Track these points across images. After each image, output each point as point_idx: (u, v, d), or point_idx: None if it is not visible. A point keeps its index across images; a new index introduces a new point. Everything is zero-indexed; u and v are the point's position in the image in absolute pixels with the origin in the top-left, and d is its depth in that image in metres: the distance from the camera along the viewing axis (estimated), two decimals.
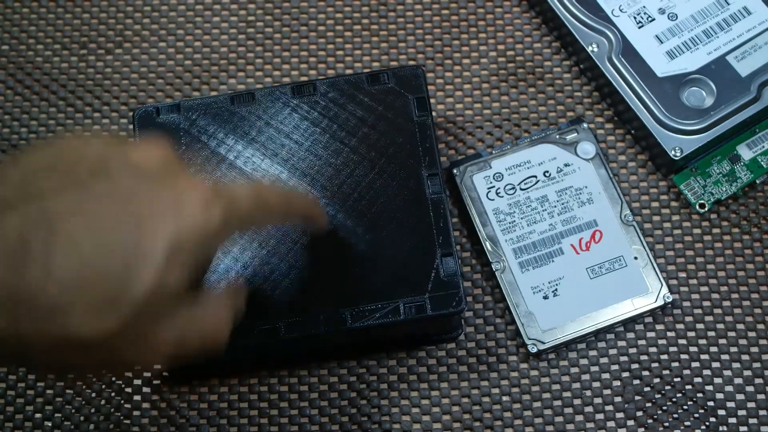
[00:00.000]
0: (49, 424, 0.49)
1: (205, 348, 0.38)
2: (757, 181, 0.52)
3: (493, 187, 0.52)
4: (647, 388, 0.49)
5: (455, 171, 0.52)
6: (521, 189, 0.52)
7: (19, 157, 0.36)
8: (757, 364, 0.50)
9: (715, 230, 0.52)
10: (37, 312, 0.32)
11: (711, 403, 0.49)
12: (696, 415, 0.49)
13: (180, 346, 0.36)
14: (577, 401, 0.49)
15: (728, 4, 0.53)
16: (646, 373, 0.50)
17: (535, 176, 0.52)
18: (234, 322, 0.39)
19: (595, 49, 0.53)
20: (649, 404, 0.49)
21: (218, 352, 0.38)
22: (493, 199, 0.52)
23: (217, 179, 0.39)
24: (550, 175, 0.52)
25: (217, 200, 0.36)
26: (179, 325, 0.36)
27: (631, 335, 0.50)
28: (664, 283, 0.50)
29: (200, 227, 0.35)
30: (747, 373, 0.49)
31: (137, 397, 0.50)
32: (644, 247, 0.50)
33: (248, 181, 0.41)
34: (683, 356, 0.50)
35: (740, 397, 0.49)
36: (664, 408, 0.49)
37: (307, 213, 0.44)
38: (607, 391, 0.49)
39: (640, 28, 0.53)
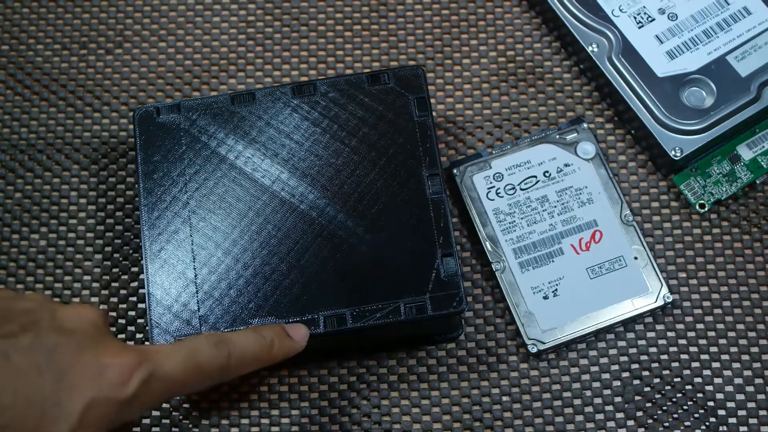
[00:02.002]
0: None
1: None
2: (757, 181, 0.52)
3: (493, 187, 0.52)
4: (647, 388, 0.49)
5: (455, 171, 0.52)
6: (521, 189, 0.52)
7: None
8: (757, 364, 0.50)
9: (715, 230, 0.52)
10: None
11: (711, 403, 0.49)
12: (696, 415, 0.49)
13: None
14: (577, 401, 0.49)
15: (728, 4, 0.53)
16: (646, 373, 0.50)
17: (535, 176, 0.52)
18: None
19: (595, 49, 0.53)
20: (649, 404, 0.49)
21: None
22: (493, 199, 0.52)
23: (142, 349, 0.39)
24: (550, 175, 0.52)
25: (138, 372, 0.37)
26: None
27: (631, 335, 0.50)
28: (664, 283, 0.50)
29: (116, 397, 0.36)
30: (747, 373, 0.50)
31: None
32: (644, 247, 0.50)
33: (182, 344, 0.40)
34: (683, 356, 0.50)
35: (740, 397, 0.49)
36: (664, 408, 0.49)
37: (265, 362, 0.43)
38: (607, 391, 0.49)
39: (640, 28, 0.53)
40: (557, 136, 0.53)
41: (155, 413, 0.49)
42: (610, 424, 0.49)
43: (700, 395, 0.49)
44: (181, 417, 0.49)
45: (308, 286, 0.46)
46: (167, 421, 0.49)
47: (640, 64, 0.52)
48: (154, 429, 0.49)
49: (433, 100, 0.55)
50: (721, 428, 0.49)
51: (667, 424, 0.49)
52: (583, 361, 0.50)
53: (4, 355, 0.35)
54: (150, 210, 0.48)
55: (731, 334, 0.50)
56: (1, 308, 0.37)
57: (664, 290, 0.50)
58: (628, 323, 0.50)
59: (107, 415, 0.36)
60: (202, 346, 0.40)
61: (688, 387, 0.49)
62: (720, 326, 0.50)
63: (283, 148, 0.49)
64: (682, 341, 0.50)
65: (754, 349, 0.50)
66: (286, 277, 0.46)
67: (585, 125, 0.53)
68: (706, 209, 0.52)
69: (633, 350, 0.50)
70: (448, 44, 0.56)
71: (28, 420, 0.34)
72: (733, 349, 0.50)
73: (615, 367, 0.50)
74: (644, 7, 0.54)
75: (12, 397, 0.34)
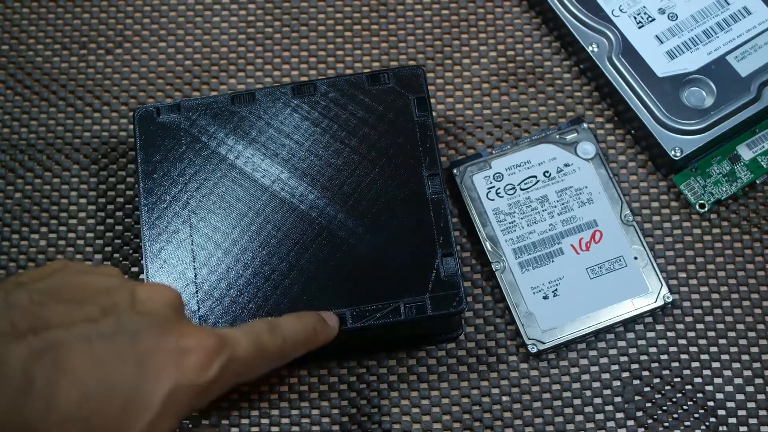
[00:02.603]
0: None
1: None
2: (757, 181, 0.52)
3: (493, 187, 0.52)
4: (647, 388, 0.49)
5: (455, 171, 0.52)
6: (521, 189, 0.52)
7: (24, 279, 0.37)
8: (757, 364, 0.50)
9: (715, 230, 0.52)
10: None
11: (711, 403, 0.49)
12: (696, 415, 0.49)
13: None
14: (577, 401, 0.49)
15: (728, 4, 0.53)
16: (646, 373, 0.50)
17: (535, 176, 0.52)
18: None
19: (595, 49, 0.53)
20: (649, 404, 0.49)
21: None
22: (493, 199, 0.52)
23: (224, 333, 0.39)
24: (550, 175, 0.52)
25: (219, 356, 0.36)
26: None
27: (631, 335, 0.50)
28: (664, 283, 0.50)
29: (200, 382, 0.35)
30: (747, 373, 0.50)
31: None
32: (644, 247, 0.50)
33: (247, 329, 0.40)
34: (683, 356, 0.50)
35: (740, 397, 0.49)
36: (664, 408, 0.49)
37: (311, 344, 0.43)
38: (607, 391, 0.49)
39: (640, 28, 0.53)
40: (557, 136, 0.53)
41: None
42: (610, 424, 0.49)
43: (700, 395, 0.49)
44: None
45: (308, 286, 0.46)
46: None
47: (640, 64, 0.52)
48: None
49: (433, 100, 0.55)
50: (721, 428, 0.49)
51: (667, 424, 0.49)
52: (583, 361, 0.50)
53: (86, 340, 0.34)
54: (150, 210, 0.48)
55: (731, 334, 0.50)
56: (79, 285, 0.36)
57: (664, 290, 0.50)
58: (628, 323, 0.50)
59: (189, 401, 0.35)
60: (263, 330, 0.40)
61: (688, 387, 0.49)
62: (720, 326, 0.50)
63: (283, 148, 0.49)
64: (682, 341, 0.50)
65: (754, 349, 0.50)
66: (286, 277, 0.46)
67: (585, 125, 0.53)
68: (706, 209, 0.52)
69: (633, 350, 0.50)
70: (448, 44, 0.56)
71: (112, 409, 0.34)
72: (733, 349, 0.50)
73: (615, 367, 0.50)
74: (644, 7, 0.54)
75: (95, 386, 0.33)
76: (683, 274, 0.51)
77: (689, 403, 0.49)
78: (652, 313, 0.50)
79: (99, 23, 0.57)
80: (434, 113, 0.53)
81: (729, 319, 0.50)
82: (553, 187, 0.52)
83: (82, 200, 0.53)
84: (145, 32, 0.57)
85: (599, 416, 0.49)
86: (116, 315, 0.35)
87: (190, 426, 0.49)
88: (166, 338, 0.36)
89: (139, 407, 0.34)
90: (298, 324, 0.42)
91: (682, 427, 0.49)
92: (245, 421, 0.49)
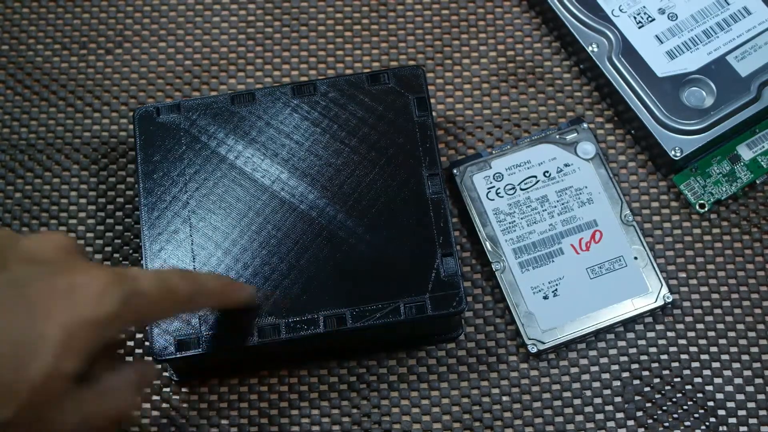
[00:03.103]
0: None
1: (114, 424, 0.38)
2: (757, 181, 0.52)
3: (493, 187, 0.52)
4: (647, 388, 0.49)
5: (455, 171, 0.52)
6: (521, 189, 0.52)
7: None
8: (757, 364, 0.50)
9: (715, 230, 0.52)
10: None
11: (711, 403, 0.49)
12: (696, 415, 0.49)
13: (84, 428, 0.36)
14: (577, 401, 0.49)
15: (728, 4, 0.53)
16: (646, 373, 0.50)
17: (535, 176, 0.52)
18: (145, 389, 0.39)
19: (595, 49, 0.53)
20: (649, 404, 0.49)
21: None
22: (493, 199, 0.52)
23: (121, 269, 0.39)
24: (550, 175, 0.52)
25: (116, 288, 0.36)
26: (81, 408, 0.36)
27: (631, 335, 0.50)
28: (664, 283, 0.50)
29: (95, 315, 0.35)
30: (747, 373, 0.49)
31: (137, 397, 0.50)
32: (644, 247, 0.50)
33: (161, 270, 0.40)
34: (683, 356, 0.50)
35: (740, 397, 0.49)
36: (664, 408, 0.49)
37: (224, 298, 0.43)
38: (607, 391, 0.49)
39: (640, 28, 0.53)
40: (557, 136, 0.53)
41: (155, 413, 0.49)
42: (610, 424, 0.49)
43: (700, 395, 0.49)
44: (180, 417, 0.49)
45: (308, 286, 0.46)
46: (166, 420, 0.49)
47: (640, 64, 0.52)
48: (153, 429, 0.49)
49: (433, 100, 0.55)
50: (721, 428, 0.49)
51: (667, 424, 0.49)
52: (583, 361, 0.50)
53: None
54: (150, 210, 0.48)
55: (731, 334, 0.50)
56: None
57: (664, 290, 0.50)
58: (628, 323, 0.50)
59: (89, 336, 0.35)
60: (174, 273, 0.40)
61: (688, 387, 0.49)
62: (720, 326, 0.50)
63: (283, 148, 0.49)
64: (682, 341, 0.50)
65: (754, 349, 0.50)
66: (286, 277, 0.46)
67: (585, 125, 0.53)
68: (706, 209, 0.52)
69: (633, 350, 0.50)
70: (448, 44, 0.56)
71: (6, 358, 0.33)
72: (733, 349, 0.50)
73: (615, 367, 0.50)
74: (644, 7, 0.54)
75: None
76: (683, 274, 0.51)
77: (689, 403, 0.49)
78: (652, 313, 0.50)
79: (99, 23, 0.57)
80: (434, 113, 0.53)
81: (729, 319, 0.50)
82: (553, 187, 0.52)
83: (82, 200, 0.53)
84: (145, 32, 0.57)
85: (599, 416, 0.49)
86: (3, 266, 0.35)
87: (190, 426, 0.49)
88: (57, 279, 0.35)
89: (33, 350, 0.34)
90: (210, 276, 0.43)
91: (682, 427, 0.49)
92: (244, 420, 0.49)
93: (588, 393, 0.49)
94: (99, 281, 0.35)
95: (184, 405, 0.49)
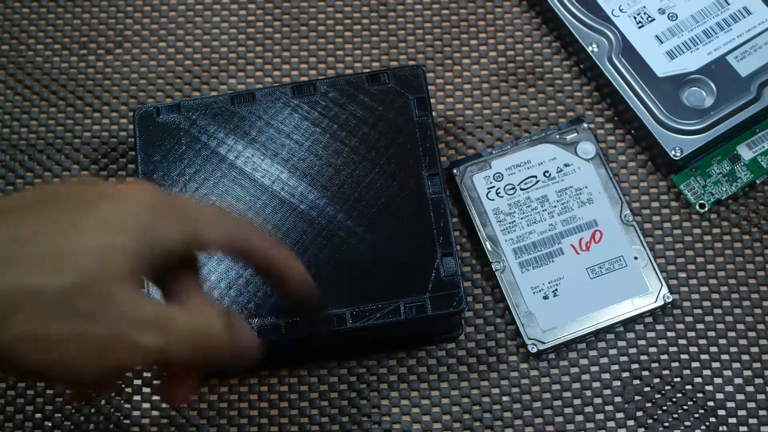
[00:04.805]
0: (49, 424, 0.49)
1: (201, 354, 0.37)
2: (757, 181, 0.52)
3: (493, 187, 0.52)
4: (647, 388, 0.49)
5: (455, 171, 0.52)
6: (521, 189, 0.52)
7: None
8: (757, 364, 0.50)
9: (715, 230, 0.52)
10: None
11: (711, 403, 0.49)
12: (696, 415, 0.49)
13: (165, 346, 0.35)
14: (577, 401, 0.49)
15: (728, 4, 0.53)
16: (646, 373, 0.50)
17: (535, 176, 0.52)
18: (238, 339, 0.38)
19: (595, 49, 0.53)
20: (649, 404, 0.49)
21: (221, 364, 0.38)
22: (493, 199, 0.52)
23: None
24: (550, 175, 0.52)
25: (158, 191, 0.36)
26: (162, 312, 0.35)
27: (631, 335, 0.50)
28: (664, 283, 0.50)
29: (142, 203, 0.35)
30: (747, 373, 0.49)
31: (137, 397, 0.50)
32: (644, 247, 0.50)
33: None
34: (683, 356, 0.50)
35: (740, 397, 0.49)
36: (664, 408, 0.49)
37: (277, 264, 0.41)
38: (607, 391, 0.49)
39: (640, 28, 0.53)
40: (557, 136, 0.53)
41: (155, 413, 0.49)
42: (610, 424, 0.49)
43: (700, 395, 0.49)
44: (180, 417, 0.49)
45: None
46: (166, 420, 0.49)
47: (640, 64, 0.52)
48: (153, 429, 0.49)
49: (433, 100, 0.55)
50: (721, 428, 0.49)
51: (667, 424, 0.49)
52: (583, 361, 0.50)
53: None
54: None
55: (731, 334, 0.50)
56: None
57: (664, 290, 0.50)
58: (628, 323, 0.50)
59: (140, 217, 0.35)
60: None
61: (688, 387, 0.49)
62: (720, 326, 0.50)
63: (283, 148, 0.49)
64: (682, 341, 0.50)
65: (754, 349, 0.50)
66: None
67: (585, 125, 0.53)
68: (706, 209, 0.52)
69: (633, 350, 0.50)
70: (448, 44, 0.56)
71: (60, 228, 0.34)
72: (733, 349, 0.50)
73: (615, 367, 0.50)
74: (644, 7, 0.54)
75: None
76: (683, 274, 0.51)
77: (689, 403, 0.49)
78: (652, 313, 0.50)
79: (99, 23, 0.57)
80: (434, 113, 0.53)
81: (729, 319, 0.50)
82: (553, 187, 0.52)
83: None
84: (145, 32, 0.57)
85: (599, 416, 0.49)
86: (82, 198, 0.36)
87: (190, 426, 0.49)
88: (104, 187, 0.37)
89: (83, 226, 0.34)
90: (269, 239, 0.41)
91: (682, 427, 0.49)
92: (244, 420, 0.49)
93: (588, 393, 0.49)
94: (142, 183, 0.37)
95: (184, 405, 0.49)
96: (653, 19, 0.53)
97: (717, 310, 0.51)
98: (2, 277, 0.33)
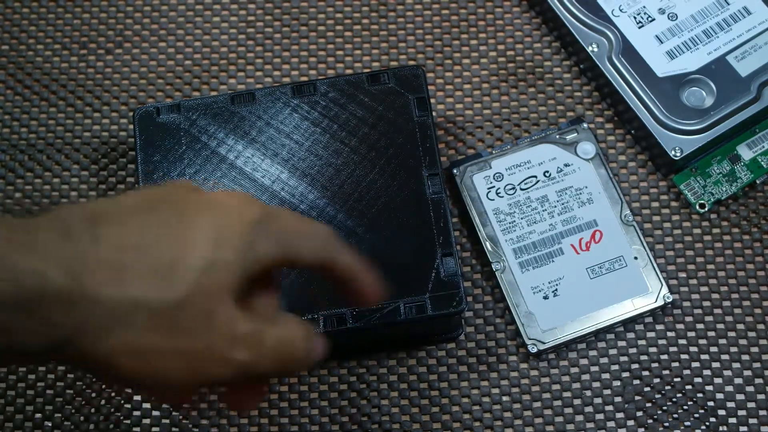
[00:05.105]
0: (49, 424, 0.49)
1: (282, 366, 0.37)
2: (757, 181, 0.52)
3: (493, 187, 0.52)
4: (647, 388, 0.49)
5: (455, 171, 0.52)
6: (521, 189, 0.52)
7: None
8: (757, 364, 0.50)
9: (715, 230, 0.52)
10: (98, 275, 0.32)
11: (711, 403, 0.49)
12: (696, 415, 0.49)
13: (253, 360, 0.35)
14: (577, 401, 0.49)
15: (728, 4, 0.53)
16: (646, 373, 0.50)
17: (535, 176, 0.52)
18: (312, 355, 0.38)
19: (595, 49, 0.53)
20: (649, 404, 0.49)
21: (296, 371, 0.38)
22: (493, 199, 0.52)
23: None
24: (550, 175, 0.52)
25: (255, 202, 0.36)
26: (253, 326, 0.35)
27: (631, 335, 0.50)
28: (664, 283, 0.50)
29: (241, 218, 0.35)
30: (747, 373, 0.49)
31: (137, 397, 0.50)
32: (644, 247, 0.50)
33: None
34: (683, 356, 0.50)
35: (740, 397, 0.49)
36: (664, 408, 0.49)
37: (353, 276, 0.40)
38: (607, 391, 0.49)
39: (640, 28, 0.53)
40: (557, 136, 0.53)
41: (155, 413, 0.49)
42: (610, 424, 0.49)
43: (700, 395, 0.49)
44: (181, 417, 0.49)
45: (308, 286, 0.46)
46: (167, 421, 0.49)
47: (640, 64, 0.52)
48: (154, 429, 0.49)
49: (433, 100, 0.55)
50: (721, 428, 0.49)
51: (667, 424, 0.49)
52: (583, 361, 0.50)
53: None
54: None
55: (731, 334, 0.50)
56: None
57: (664, 290, 0.50)
58: (628, 323, 0.50)
59: (240, 233, 0.35)
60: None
61: (688, 387, 0.49)
62: (720, 326, 0.50)
63: (283, 148, 0.49)
64: (682, 341, 0.50)
65: (754, 349, 0.50)
66: (285, 277, 0.46)
67: (585, 125, 0.53)
68: (706, 209, 0.52)
69: (633, 350, 0.50)
70: (448, 44, 0.56)
71: (165, 243, 0.34)
72: (733, 349, 0.50)
73: (615, 367, 0.50)
74: (644, 7, 0.54)
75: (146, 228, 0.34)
76: (683, 274, 0.51)
77: (689, 403, 0.49)
78: (652, 313, 0.50)
79: (99, 23, 0.57)
80: (434, 113, 0.53)
81: (729, 319, 0.50)
82: (553, 187, 0.52)
83: (82, 200, 0.53)
84: (145, 32, 0.57)
85: (599, 416, 0.49)
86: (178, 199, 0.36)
87: (191, 426, 0.49)
88: (203, 195, 0.36)
89: (187, 240, 0.34)
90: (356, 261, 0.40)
91: (682, 427, 0.49)
92: (244, 420, 0.49)
93: (588, 393, 0.49)
94: (241, 195, 0.37)
95: (184, 405, 0.49)
96: (653, 19, 0.53)
97: (717, 310, 0.51)
98: (109, 286, 0.33)
